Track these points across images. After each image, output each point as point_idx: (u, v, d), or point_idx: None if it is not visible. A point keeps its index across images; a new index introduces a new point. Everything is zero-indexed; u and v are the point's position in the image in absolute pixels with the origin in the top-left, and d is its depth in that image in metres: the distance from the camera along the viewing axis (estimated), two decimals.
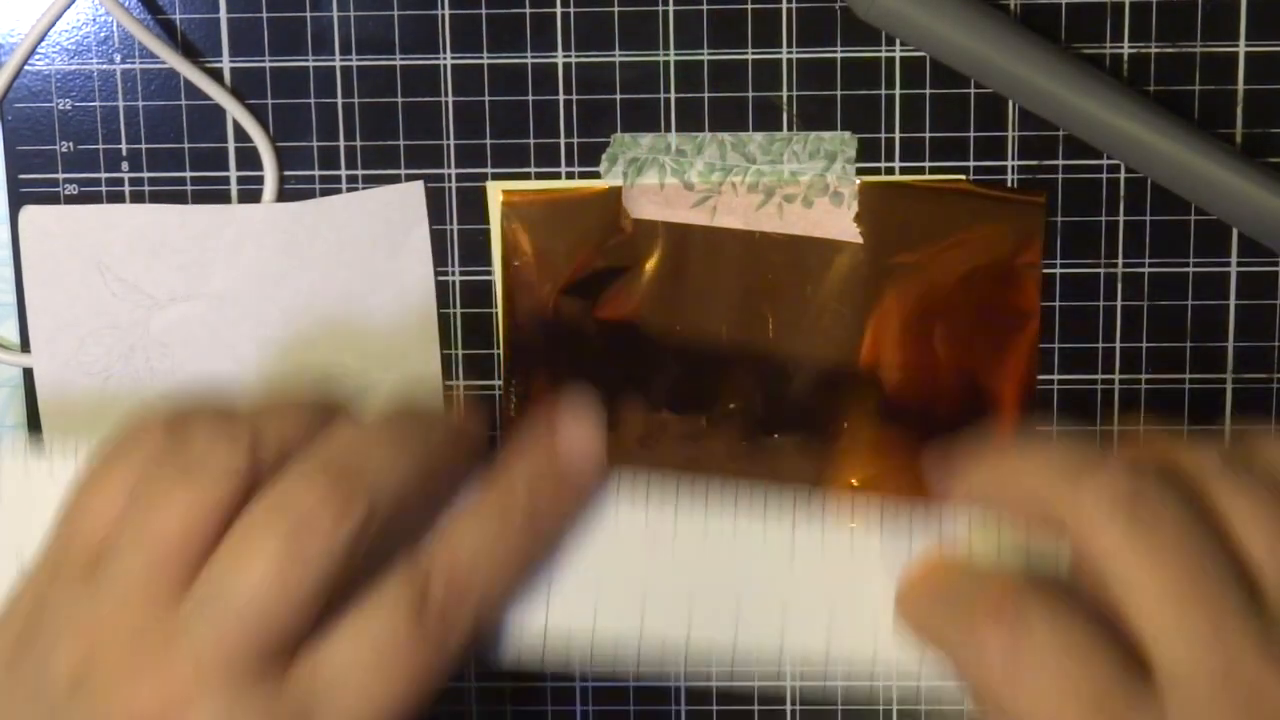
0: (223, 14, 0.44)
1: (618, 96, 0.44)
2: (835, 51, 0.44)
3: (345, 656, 0.34)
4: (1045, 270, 0.45)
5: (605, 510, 0.38)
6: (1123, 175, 0.44)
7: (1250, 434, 0.35)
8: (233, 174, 0.45)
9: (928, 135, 0.44)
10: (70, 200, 0.45)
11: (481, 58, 0.44)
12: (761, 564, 0.37)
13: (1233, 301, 0.45)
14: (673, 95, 0.44)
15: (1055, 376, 0.45)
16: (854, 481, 0.45)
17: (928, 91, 0.44)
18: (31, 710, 0.33)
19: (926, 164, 0.44)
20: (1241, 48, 0.44)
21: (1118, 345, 0.45)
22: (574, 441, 0.37)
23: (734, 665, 0.38)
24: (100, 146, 0.45)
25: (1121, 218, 0.44)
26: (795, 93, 0.44)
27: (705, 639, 0.37)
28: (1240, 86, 0.44)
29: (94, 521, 0.34)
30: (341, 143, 0.44)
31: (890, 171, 0.44)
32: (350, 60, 0.44)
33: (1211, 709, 0.31)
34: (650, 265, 0.45)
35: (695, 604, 0.37)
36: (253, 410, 0.35)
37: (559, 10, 0.44)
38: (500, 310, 0.45)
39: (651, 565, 0.37)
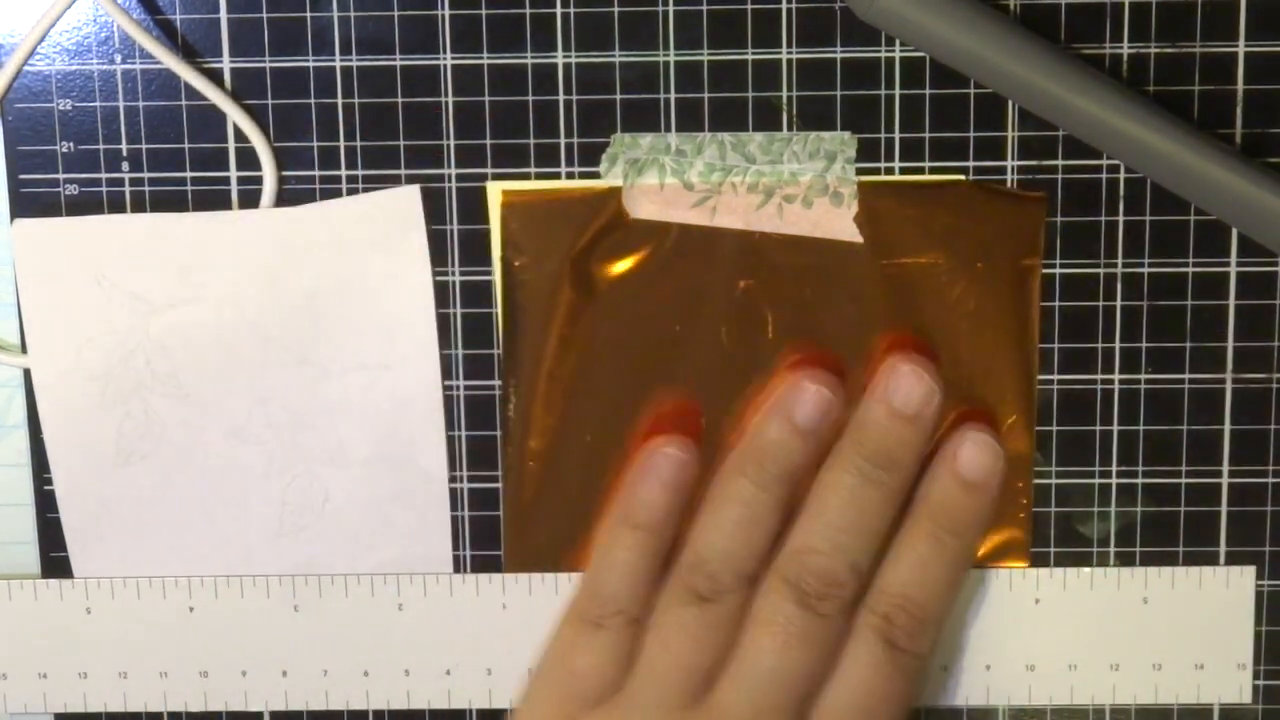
0: (223, 14, 0.44)
1: (618, 96, 0.44)
2: (835, 51, 0.44)
3: (843, 700, 0.41)
4: (1045, 270, 0.45)
5: None
6: (1122, 175, 0.44)
7: None
8: (233, 174, 0.45)
9: (927, 135, 0.44)
10: (70, 200, 0.45)
11: (481, 58, 0.44)
12: None
13: (1232, 301, 0.45)
14: (673, 95, 0.44)
15: (1055, 376, 0.45)
16: None
17: (928, 91, 0.44)
18: None
19: (926, 164, 0.44)
20: (1241, 48, 0.44)
21: (1117, 345, 0.45)
22: (973, 452, 0.43)
23: None
24: (100, 147, 0.45)
25: (1121, 218, 0.44)
26: (795, 93, 0.44)
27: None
28: (1240, 86, 0.44)
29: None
30: (341, 143, 0.44)
31: (890, 171, 0.44)
32: (350, 60, 0.44)
33: None
34: (650, 265, 0.45)
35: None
36: None
37: (559, 10, 0.44)
38: (500, 310, 0.45)
39: None
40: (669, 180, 0.44)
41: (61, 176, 0.45)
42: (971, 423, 0.44)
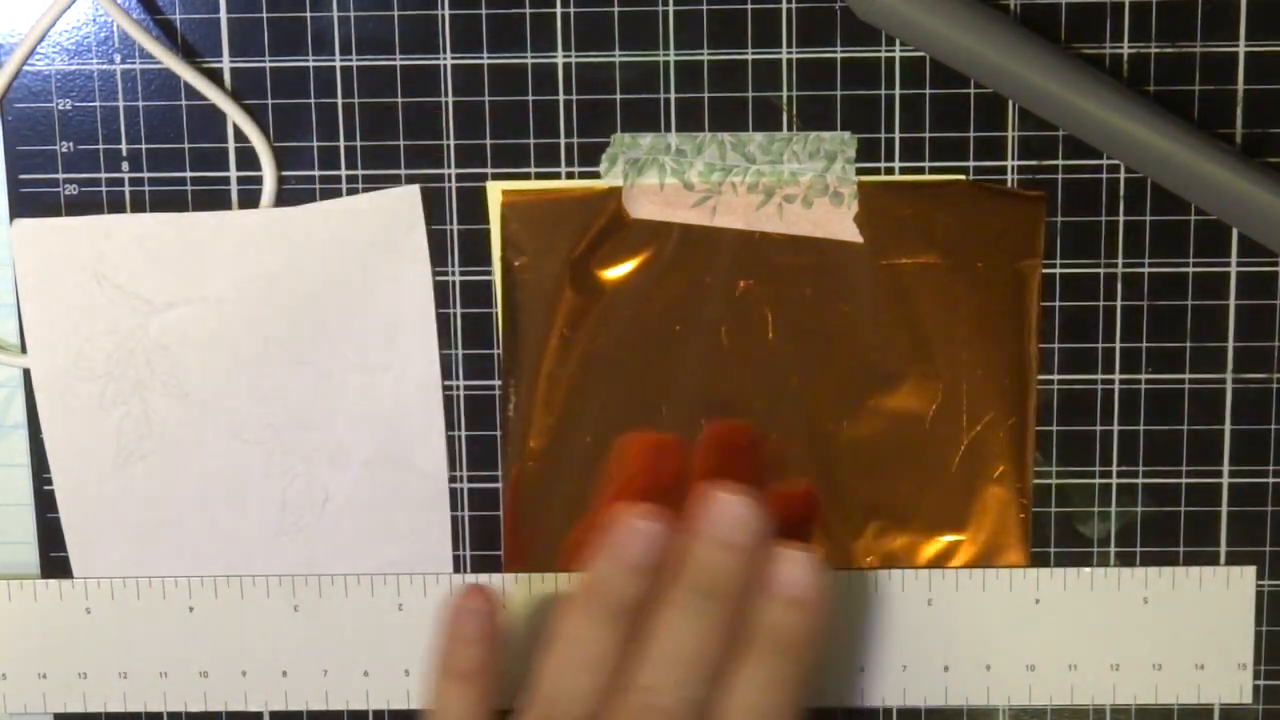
0: (223, 14, 0.44)
1: (618, 96, 0.44)
2: (835, 51, 0.44)
3: None
4: (1045, 270, 0.45)
5: None
6: (1123, 175, 0.44)
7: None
8: (233, 174, 0.45)
9: (927, 135, 0.44)
10: (70, 200, 0.45)
11: (481, 58, 0.44)
12: None
13: (1232, 301, 0.45)
14: (673, 95, 0.44)
15: (1055, 376, 0.45)
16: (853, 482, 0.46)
17: (927, 91, 0.44)
18: None
19: (926, 164, 0.44)
20: (1241, 48, 0.44)
21: (1118, 345, 0.45)
22: (789, 570, 0.42)
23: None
24: (100, 147, 0.45)
25: (1121, 218, 0.45)
26: (795, 93, 0.44)
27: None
28: (1240, 86, 0.44)
29: None
30: (341, 143, 0.44)
31: (890, 171, 0.44)
32: (350, 60, 0.44)
33: None
34: (650, 265, 0.45)
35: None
36: None
37: (559, 10, 0.44)
38: (500, 310, 0.45)
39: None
40: (669, 180, 0.44)
41: (61, 176, 0.45)
42: (788, 541, 0.43)
